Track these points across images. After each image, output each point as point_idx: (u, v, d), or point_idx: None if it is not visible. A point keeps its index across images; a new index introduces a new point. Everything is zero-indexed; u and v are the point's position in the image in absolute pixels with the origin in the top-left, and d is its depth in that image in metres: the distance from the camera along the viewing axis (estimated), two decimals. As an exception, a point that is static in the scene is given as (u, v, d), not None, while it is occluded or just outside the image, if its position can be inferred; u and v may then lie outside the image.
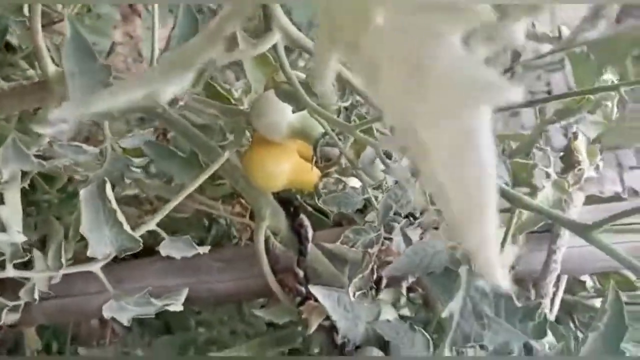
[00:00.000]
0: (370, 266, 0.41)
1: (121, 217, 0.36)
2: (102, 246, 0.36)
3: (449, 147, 0.13)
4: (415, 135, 0.13)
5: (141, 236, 0.87)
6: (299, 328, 0.60)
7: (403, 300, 0.58)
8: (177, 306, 0.42)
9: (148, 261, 0.74)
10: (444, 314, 0.31)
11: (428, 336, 0.48)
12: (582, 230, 0.38)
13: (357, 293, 0.43)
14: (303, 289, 0.52)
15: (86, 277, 0.75)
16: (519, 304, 0.32)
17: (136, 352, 0.77)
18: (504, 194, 0.41)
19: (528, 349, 0.33)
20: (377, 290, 0.56)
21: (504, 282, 0.13)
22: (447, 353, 0.30)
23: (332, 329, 0.53)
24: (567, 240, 0.53)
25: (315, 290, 0.47)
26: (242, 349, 0.57)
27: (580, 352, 0.32)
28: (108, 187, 0.35)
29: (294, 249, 0.53)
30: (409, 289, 0.69)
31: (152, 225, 0.41)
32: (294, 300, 0.54)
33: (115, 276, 0.73)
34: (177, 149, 0.59)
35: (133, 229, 0.39)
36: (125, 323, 0.40)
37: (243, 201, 0.59)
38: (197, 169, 0.62)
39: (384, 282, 0.56)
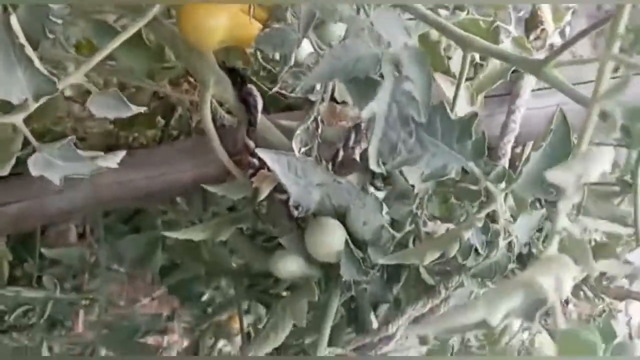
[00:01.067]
0: (313, 116, 0.39)
1: (31, 54, 0.33)
2: (16, 88, 0.33)
3: None
4: None
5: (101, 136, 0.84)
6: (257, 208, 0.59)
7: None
8: (111, 163, 0.39)
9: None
10: (365, 114, 0.29)
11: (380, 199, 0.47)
12: (534, 66, 0.36)
13: (304, 149, 0.41)
14: (255, 161, 0.51)
15: (43, 177, 0.73)
16: (454, 117, 0.30)
17: (101, 252, 0.77)
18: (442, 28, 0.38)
19: (466, 172, 0.32)
20: (334, 164, 0.55)
21: None
22: (373, 166, 0.29)
23: (288, 201, 0.52)
24: (526, 100, 0.51)
25: (263, 153, 0.45)
26: (199, 228, 0.56)
27: (523, 172, 0.31)
28: (13, 19, 0.32)
29: (243, 119, 0.50)
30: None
31: (79, 77, 0.38)
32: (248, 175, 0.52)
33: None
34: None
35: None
36: (57, 182, 0.38)
37: (191, 79, 0.56)
38: (142, 48, 0.59)
39: (340, 154, 0.54)
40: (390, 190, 0.56)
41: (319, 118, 0.40)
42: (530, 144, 0.56)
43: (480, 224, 0.31)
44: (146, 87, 0.59)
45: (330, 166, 0.53)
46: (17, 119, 0.36)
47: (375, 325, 0.53)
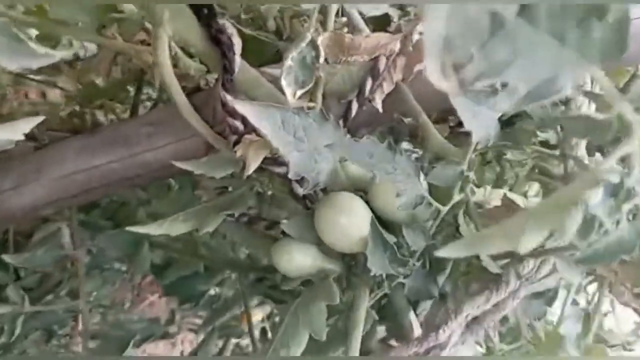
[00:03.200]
0: (309, 35, 0.25)
1: None
2: None
3: None
4: None
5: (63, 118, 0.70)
6: (252, 189, 0.46)
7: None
8: (14, 134, 0.26)
9: (68, 141, 0.59)
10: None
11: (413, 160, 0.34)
12: None
13: (299, 93, 0.27)
14: (238, 123, 0.37)
15: (-2, 173, 0.61)
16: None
17: (80, 253, 0.65)
18: None
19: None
20: (345, 119, 0.41)
21: None
22: (436, 79, 0.15)
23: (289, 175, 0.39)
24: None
25: (243, 107, 0.31)
26: (179, 219, 0.43)
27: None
28: None
29: (215, 66, 0.37)
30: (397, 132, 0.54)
31: None
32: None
33: (33, 166, 0.59)
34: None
35: None
36: None
37: (149, 26, 0.43)
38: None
39: (354, 108, 0.41)
40: (424, 150, 0.42)
41: (320, 43, 0.27)
42: None
43: (616, 179, 0.17)
44: (95, 41, 0.45)
45: (341, 125, 0.40)
46: None
47: (417, 328, 0.40)
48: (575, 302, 0.34)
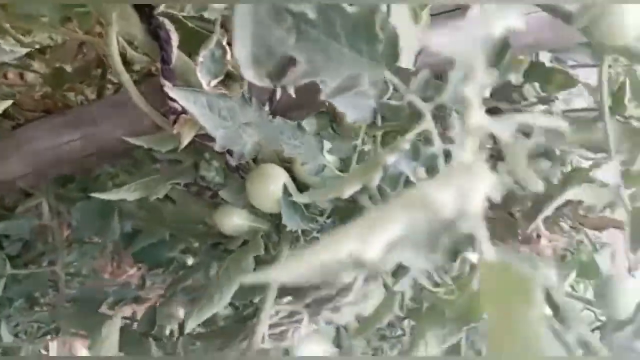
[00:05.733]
0: (216, 38, 0.32)
1: None
2: None
3: None
4: None
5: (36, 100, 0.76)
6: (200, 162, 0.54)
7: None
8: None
9: (42, 120, 0.66)
10: None
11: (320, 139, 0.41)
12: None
13: (214, 82, 0.35)
14: (176, 105, 0.44)
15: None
16: (351, 10, 0.23)
17: (54, 223, 0.72)
18: None
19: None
20: (271, 103, 0.48)
21: None
22: (249, 77, 0.22)
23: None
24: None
25: (175, 92, 0.38)
26: (130, 187, 0.50)
27: (450, 77, 0.24)
28: None
29: (156, 57, 0.44)
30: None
31: None
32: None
33: (13, 142, 0.65)
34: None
35: None
36: None
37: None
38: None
39: (278, 93, 0.48)
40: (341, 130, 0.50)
41: (226, 42, 0.34)
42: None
43: (406, 147, 0.25)
44: (59, 33, 0.51)
45: (267, 109, 0.47)
46: None
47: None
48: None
